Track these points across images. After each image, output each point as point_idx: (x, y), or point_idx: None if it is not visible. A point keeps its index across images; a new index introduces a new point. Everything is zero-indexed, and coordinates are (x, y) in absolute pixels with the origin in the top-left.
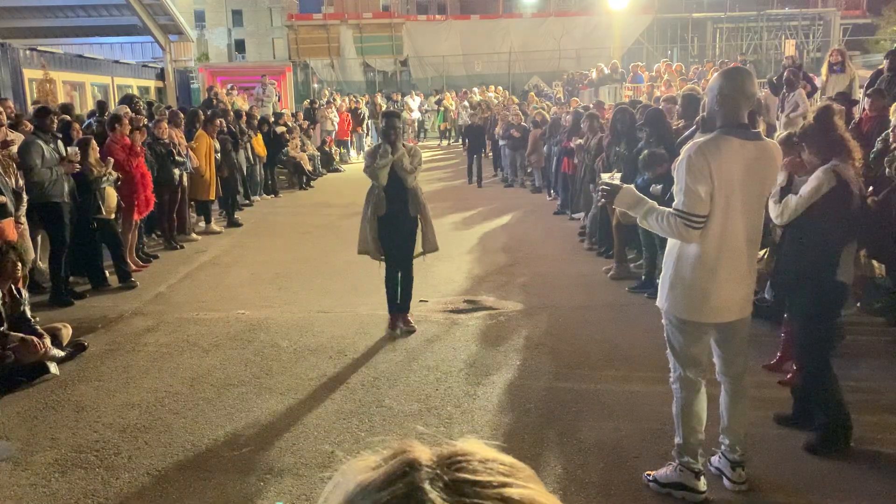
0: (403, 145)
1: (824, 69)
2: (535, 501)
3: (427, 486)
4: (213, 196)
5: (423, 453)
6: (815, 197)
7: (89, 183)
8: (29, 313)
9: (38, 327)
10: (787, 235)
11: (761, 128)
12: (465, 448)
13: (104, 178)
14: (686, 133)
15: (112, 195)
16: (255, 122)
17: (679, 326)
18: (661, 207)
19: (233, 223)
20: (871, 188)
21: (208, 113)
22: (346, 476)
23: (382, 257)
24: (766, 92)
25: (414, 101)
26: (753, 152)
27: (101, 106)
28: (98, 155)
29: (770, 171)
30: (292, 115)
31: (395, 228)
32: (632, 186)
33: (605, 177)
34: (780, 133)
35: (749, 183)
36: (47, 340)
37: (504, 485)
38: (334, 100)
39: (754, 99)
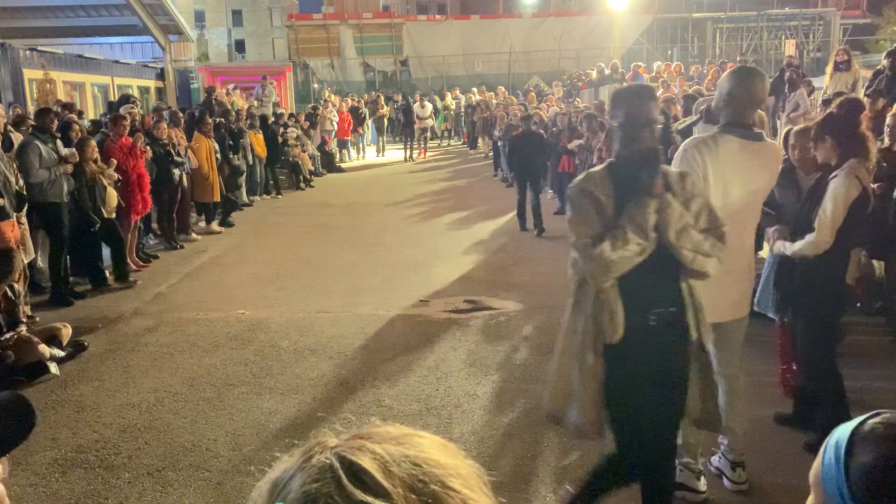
0: (664, 173)
1: (829, 67)
2: (428, 451)
3: (331, 447)
4: (217, 198)
5: (333, 439)
6: (847, 205)
7: (84, 182)
8: (24, 312)
9: (22, 330)
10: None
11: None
12: (372, 428)
13: (100, 178)
14: (689, 122)
15: (112, 195)
16: (257, 123)
17: None
18: None
19: (225, 223)
20: (877, 184)
21: (196, 114)
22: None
23: (611, 430)
24: None
25: (424, 110)
26: (754, 153)
27: (112, 107)
28: (97, 155)
29: (770, 173)
30: (291, 115)
31: (653, 363)
32: None
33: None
34: (789, 128)
35: (748, 183)
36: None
37: (401, 435)
38: (333, 101)
39: (762, 103)
